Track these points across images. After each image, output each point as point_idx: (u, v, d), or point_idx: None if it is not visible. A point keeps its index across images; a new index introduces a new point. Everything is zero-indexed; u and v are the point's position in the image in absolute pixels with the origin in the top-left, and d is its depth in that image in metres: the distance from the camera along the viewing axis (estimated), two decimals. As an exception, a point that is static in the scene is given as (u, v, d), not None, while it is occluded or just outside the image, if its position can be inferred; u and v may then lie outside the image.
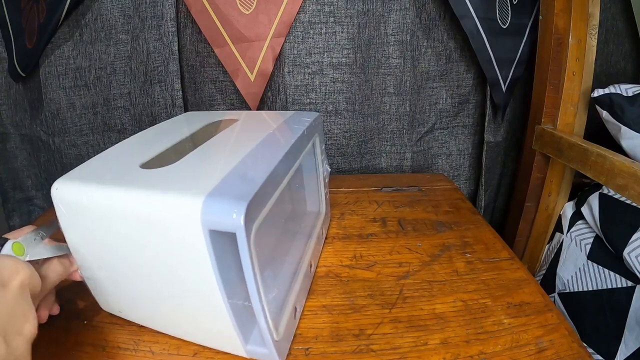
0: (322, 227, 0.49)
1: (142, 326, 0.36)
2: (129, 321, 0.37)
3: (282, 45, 0.68)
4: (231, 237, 0.25)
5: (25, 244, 0.30)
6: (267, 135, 0.39)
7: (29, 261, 0.29)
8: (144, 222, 0.28)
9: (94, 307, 0.37)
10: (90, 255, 0.32)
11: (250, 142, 0.36)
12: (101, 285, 0.35)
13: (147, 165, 0.33)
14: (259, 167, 0.30)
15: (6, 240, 0.29)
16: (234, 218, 0.24)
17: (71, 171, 0.33)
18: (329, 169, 0.50)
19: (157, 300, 0.33)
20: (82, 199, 0.30)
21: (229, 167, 0.30)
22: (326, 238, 0.51)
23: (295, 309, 0.36)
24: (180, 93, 0.68)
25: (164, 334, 0.35)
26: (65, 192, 0.30)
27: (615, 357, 0.56)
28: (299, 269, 0.39)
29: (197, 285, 0.28)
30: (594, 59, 0.66)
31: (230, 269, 0.27)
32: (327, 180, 0.50)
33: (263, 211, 0.28)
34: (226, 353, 0.34)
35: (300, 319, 0.37)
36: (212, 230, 0.25)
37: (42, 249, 0.31)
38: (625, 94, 0.60)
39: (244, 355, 0.32)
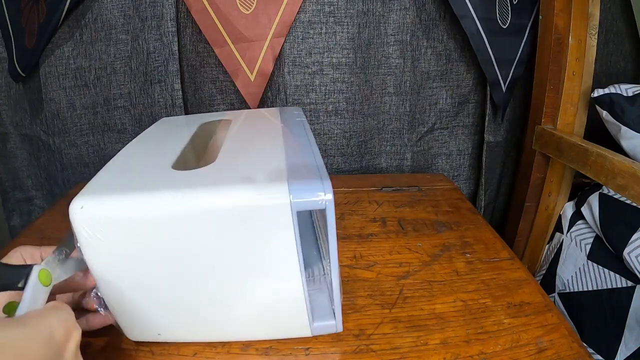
0: None
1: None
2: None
3: (282, 45, 0.68)
4: (304, 216, 0.27)
5: (50, 268, 0.27)
6: (283, 129, 0.39)
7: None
8: (217, 221, 0.27)
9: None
10: (131, 279, 0.29)
11: (273, 135, 0.36)
12: (138, 311, 0.31)
13: (179, 168, 0.31)
14: (306, 154, 0.32)
15: (30, 267, 0.26)
16: (324, 196, 0.27)
17: (89, 186, 0.29)
18: None
19: (223, 303, 0.31)
20: (129, 212, 0.27)
21: (280, 157, 0.31)
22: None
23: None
24: (180, 93, 0.68)
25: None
26: (99, 209, 0.26)
27: (615, 357, 0.56)
28: None
29: (276, 270, 0.29)
30: (594, 59, 0.66)
31: (302, 247, 0.29)
32: None
33: None
34: (228, 352, 0.34)
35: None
36: (299, 211, 0.27)
37: (67, 268, 0.28)
38: (625, 94, 0.60)
39: (308, 334, 0.34)
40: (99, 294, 0.30)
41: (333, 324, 0.34)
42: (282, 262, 0.29)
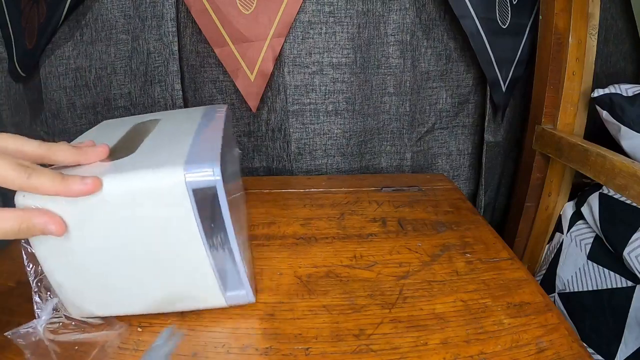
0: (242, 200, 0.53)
1: (143, 326, 0.36)
2: (128, 321, 0.37)
3: (282, 45, 0.68)
4: (206, 194, 0.31)
5: None
6: (200, 124, 0.43)
7: None
8: (128, 203, 0.31)
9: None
10: (64, 261, 0.32)
11: (188, 129, 0.40)
12: (73, 290, 0.34)
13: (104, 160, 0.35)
14: (209, 142, 0.36)
15: None
16: (213, 174, 0.31)
17: None
18: (240, 151, 0.57)
19: (141, 279, 0.34)
20: (50, 200, 0.30)
21: (185, 146, 0.35)
22: (325, 237, 0.51)
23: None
24: (181, 93, 0.69)
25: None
26: (35, 198, 0.30)
27: (615, 357, 0.56)
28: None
29: (182, 242, 0.33)
30: (594, 59, 0.66)
31: (206, 222, 0.33)
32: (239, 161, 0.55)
33: (224, 173, 0.32)
34: (228, 352, 0.34)
35: (299, 318, 0.38)
36: (195, 189, 0.31)
37: None
38: (625, 94, 0.60)
39: (224, 304, 0.38)
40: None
41: (244, 294, 0.38)
42: (186, 237, 0.33)
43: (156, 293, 0.36)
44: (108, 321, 0.37)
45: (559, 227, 0.72)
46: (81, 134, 0.74)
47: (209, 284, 0.36)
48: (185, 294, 0.37)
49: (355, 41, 0.70)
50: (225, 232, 0.34)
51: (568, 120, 0.68)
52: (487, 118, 0.75)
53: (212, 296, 0.37)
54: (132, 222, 0.32)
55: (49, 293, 0.34)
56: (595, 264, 0.61)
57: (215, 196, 0.32)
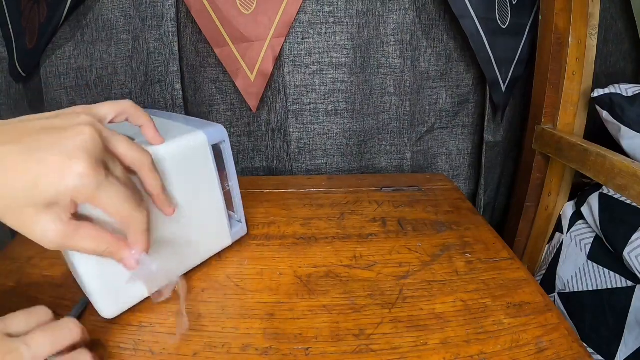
0: None
1: (142, 326, 0.36)
2: (128, 321, 0.37)
3: (282, 45, 0.68)
4: (217, 149, 0.43)
5: None
6: (164, 116, 0.48)
7: None
8: (168, 165, 0.37)
9: (94, 307, 0.37)
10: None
11: (162, 121, 0.45)
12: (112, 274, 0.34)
13: None
14: (189, 119, 0.45)
15: None
16: (223, 134, 0.43)
17: None
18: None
19: (177, 236, 0.40)
20: None
21: (178, 123, 0.43)
22: (325, 237, 0.51)
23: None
24: (181, 93, 0.69)
25: (164, 333, 0.35)
26: None
27: (615, 357, 0.56)
28: None
29: (205, 189, 0.42)
30: (594, 59, 0.66)
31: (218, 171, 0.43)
32: None
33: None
34: (228, 353, 0.34)
35: (299, 318, 0.38)
36: (213, 145, 0.42)
37: None
38: (625, 94, 0.60)
39: (230, 241, 0.47)
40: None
41: (241, 227, 0.49)
42: (208, 184, 0.42)
43: (184, 249, 0.42)
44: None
45: (559, 227, 0.72)
46: (81, 134, 0.75)
47: (221, 226, 0.45)
48: (203, 241, 0.44)
49: (355, 41, 0.70)
50: (230, 175, 0.46)
51: (568, 120, 0.68)
52: (486, 118, 0.75)
53: (222, 237, 0.46)
54: (169, 182, 0.38)
55: None
56: (595, 264, 0.61)
57: (221, 149, 0.44)
